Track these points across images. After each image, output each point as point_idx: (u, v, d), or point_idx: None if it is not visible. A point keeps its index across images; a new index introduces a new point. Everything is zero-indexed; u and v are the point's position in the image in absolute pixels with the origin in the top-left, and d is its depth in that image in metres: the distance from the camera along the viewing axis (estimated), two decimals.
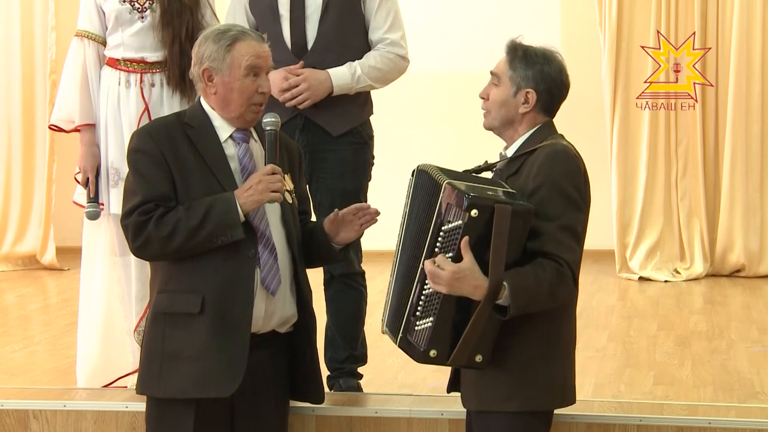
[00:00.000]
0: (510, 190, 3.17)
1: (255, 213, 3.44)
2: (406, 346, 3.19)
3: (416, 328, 3.14)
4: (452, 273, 3.03)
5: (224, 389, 3.39)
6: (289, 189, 3.53)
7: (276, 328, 3.53)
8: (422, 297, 3.13)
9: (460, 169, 3.35)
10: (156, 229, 3.38)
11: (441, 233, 3.08)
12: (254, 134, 3.59)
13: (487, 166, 3.40)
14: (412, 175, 3.37)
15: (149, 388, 3.49)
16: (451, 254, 3.06)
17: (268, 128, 3.47)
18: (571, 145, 3.30)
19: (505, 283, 3.05)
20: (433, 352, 3.13)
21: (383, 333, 3.37)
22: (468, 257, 3.04)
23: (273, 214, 3.52)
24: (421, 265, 3.13)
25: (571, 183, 3.20)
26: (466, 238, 3.03)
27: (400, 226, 3.38)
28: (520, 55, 3.30)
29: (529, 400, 3.23)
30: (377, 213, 3.59)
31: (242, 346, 3.40)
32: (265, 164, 3.46)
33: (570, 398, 3.35)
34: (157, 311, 3.49)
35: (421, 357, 3.16)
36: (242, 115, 3.50)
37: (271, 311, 3.49)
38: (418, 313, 3.14)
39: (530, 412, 3.24)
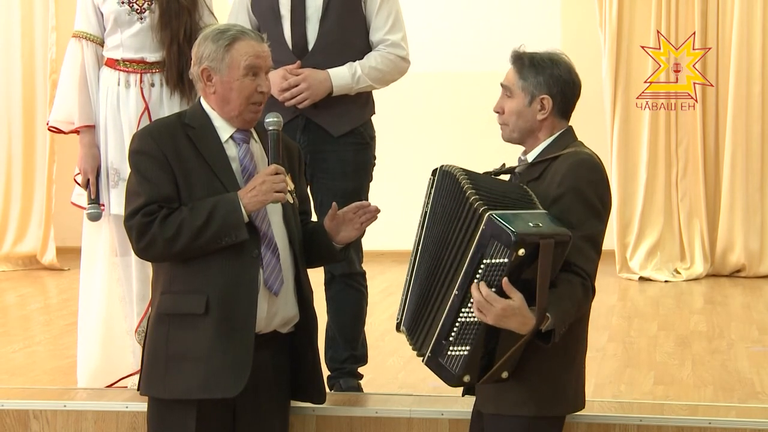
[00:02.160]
0: (542, 210, 3.14)
1: (257, 213, 3.44)
2: (437, 368, 3.17)
3: (449, 353, 3.13)
4: (502, 310, 3.02)
5: (230, 390, 3.39)
6: (289, 189, 3.53)
7: (278, 328, 3.53)
8: (458, 323, 3.11)
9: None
10: (160, 230, 3.37)
11: (482, 265, 3.05)
12: (254, 135, 3.59)
13: (507, 170, 3.39)
14: (433, 175, 3.35)
15: (153, 389, 3.49)
16: (494, 289, 3.04)
17: (270, 128, 3.47)
18: (594, 153, 3.32)
19: (548, 314, 3.05)
20: (467, 378, 3.14)
21: (399, 331, 3.37)
22: (517, 296, 3.03)
23: (275, 214, 3.52)
24: (455, 289, 3.10)
25: (595, 192, 3.22)
26: (506, 279, 3.01)
27: (419, 225, 3.35)
28: (528, 63, 3.30)
29: (545, 405, 3.24)
30: (377, 211, 3.59)
31: (247, 346, 3.40)
32: (269, 164, 3.46)
33: (581, 404, 3.37)
34: (160, 312, 3.48)
35: (453, 381, 3.16)
36: (241, 115, 3.50)
37: (273, 311, 3.49)
38: (452, 338, 3.12)
39: (545, 416, 3.26)
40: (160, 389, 3.47)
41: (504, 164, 3.41)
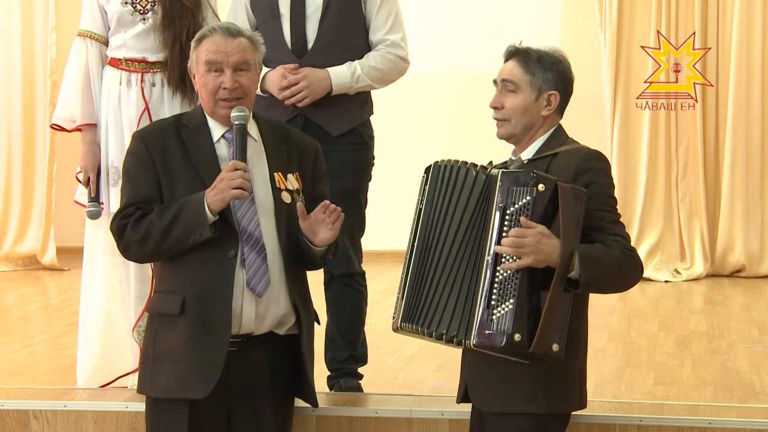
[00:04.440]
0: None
1: (243, 213, 3.44)
2: (486, 340, 3.10)
3: (494, 317, 3.09)
4: (535, 237, 3.05)
5: (200, 390, 3.39)
6: (291, 188, 3.52)
7: (273, 329, 3.51)
8: (495, 284, 3.10)
9: None
10: (132, 232, 3.43)
11: (507, 216, 3.10)
12: (252, 134, 3.58)
13: (498, 166, 3.36)
14: (426, 173, 3.33)
15: (143, 388, 3.53)
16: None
17: (236, 123, 3.46)
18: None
19: (576, 253, 3.08)
20: (517, 336, 3.07)
21: (396, 331, 3.33)
22: (539, 225, 3.07)
23: (265, 214, 3.49)
24: (486, 255, 3.12)
25: (612, 182, 3.29)
26: (523, 218, 3.06)
27: (413, 224, 3.33)
28: (535, 58, 3.29)
29: (553, 402, 3.22)
30: (339, 209, 3.49)
31: (220, 348, 3.39)
32: (230, 160, 3.44)
33: (584, 402, 3.36)
34: (150, 311, 3.57)
35: (504, 343, 3.07)
36: (214, 111, 3.53)
37: (262, 312, 3.47)
38: (493, 302, 3.10)
39: (552, 414, 3.24)
40: (147, 388, 3.51)
41: (491, 162, 3.35)
